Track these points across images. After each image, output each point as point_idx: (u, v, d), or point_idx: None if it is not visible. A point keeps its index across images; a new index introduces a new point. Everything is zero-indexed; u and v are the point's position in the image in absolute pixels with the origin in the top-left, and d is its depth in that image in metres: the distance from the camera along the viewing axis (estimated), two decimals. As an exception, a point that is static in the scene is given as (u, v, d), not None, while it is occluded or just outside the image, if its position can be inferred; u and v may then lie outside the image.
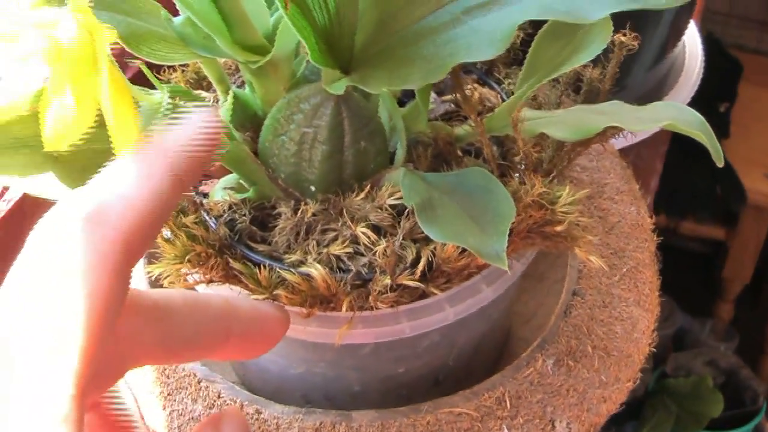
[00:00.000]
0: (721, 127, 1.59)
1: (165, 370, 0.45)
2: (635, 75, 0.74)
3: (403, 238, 0.39)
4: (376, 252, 0.39)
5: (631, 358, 0.45)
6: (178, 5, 0.39)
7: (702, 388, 1.47)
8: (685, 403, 1.47)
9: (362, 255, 0.40)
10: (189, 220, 0.41)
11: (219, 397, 0.44)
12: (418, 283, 0.38)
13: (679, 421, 1.47)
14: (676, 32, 0.75)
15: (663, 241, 1.64)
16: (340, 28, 0.36)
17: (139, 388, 0.45)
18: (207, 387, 0.44)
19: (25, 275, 0.23)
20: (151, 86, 0.49)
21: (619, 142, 0.72)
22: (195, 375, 0.45)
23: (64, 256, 0.22)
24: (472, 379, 0.46)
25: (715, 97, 1.62)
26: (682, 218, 1.63)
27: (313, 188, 0.41)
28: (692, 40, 0.80)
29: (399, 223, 0.39)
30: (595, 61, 0.46)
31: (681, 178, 1.56)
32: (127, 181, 0.24)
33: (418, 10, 0.35)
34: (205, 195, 0.43)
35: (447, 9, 0.35)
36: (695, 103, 1.64)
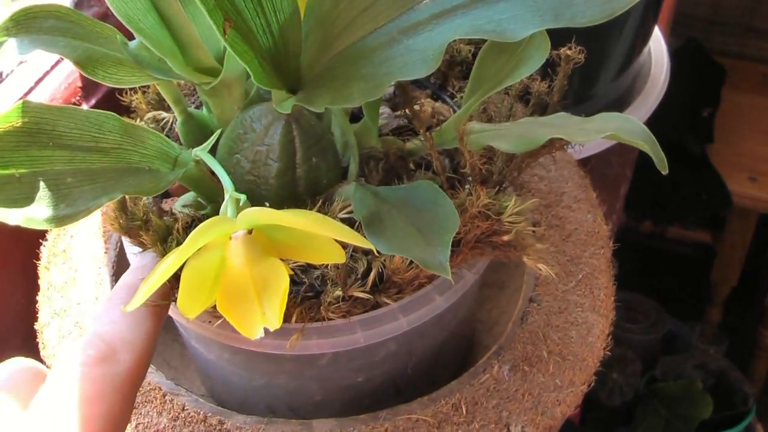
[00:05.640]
0: (705, 132, 1.60)
1: (131, 384, 0.46)
2: (601, 84, 0.75)
3: (354, 251, 0.41)
4: (328, 264, 0.40)
5: (586, 362, 0.46)
6: (131, 30, 0.40)
7: (691, 391, 1.48)
8: (675, 407, 1.48)
9: (315, 268, 0.41)
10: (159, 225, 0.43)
11: (183, 409, 0.45)
12: (369, 295, 0.39)
13: (669, 424, 1.48)
14: (641, 39, 0.76)
15: (650, 246, 1.64)
16: (285, 49, 0.38)
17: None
18: (172, 400, 0.45)
19: (56, 404, 0.31)
20: (117, 109, 0.50)
21: (588, 150, 0.73)
22: (160, 388, 0.46)
23: (85, 388, 0.32)
24: (435, 388, 0.47)
25: (698, 102, 1.63)
26: (669, 223, 1.64)
27: (267, 204, 0.42)
28: (658, 47, 0.82)
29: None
30: (545, 75, 0.48)
31: (666, 184, 1.58)
32: (126, 328, 0.35)
33: (358, 30, 0.37)
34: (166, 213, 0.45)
35: (384, 29, 0.36)
36: (678, 108, 1.65)
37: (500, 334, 0.50)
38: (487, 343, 0.51)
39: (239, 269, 0.35)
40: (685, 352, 1.60)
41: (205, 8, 0.32)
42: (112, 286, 0.51)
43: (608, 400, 1.47)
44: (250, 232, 0.36)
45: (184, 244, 0.34)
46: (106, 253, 0.53)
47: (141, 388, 0.46)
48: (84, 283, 0.52)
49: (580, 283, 0.50)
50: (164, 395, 0.46)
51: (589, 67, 0.75)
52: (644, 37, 0.77)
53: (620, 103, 0.77)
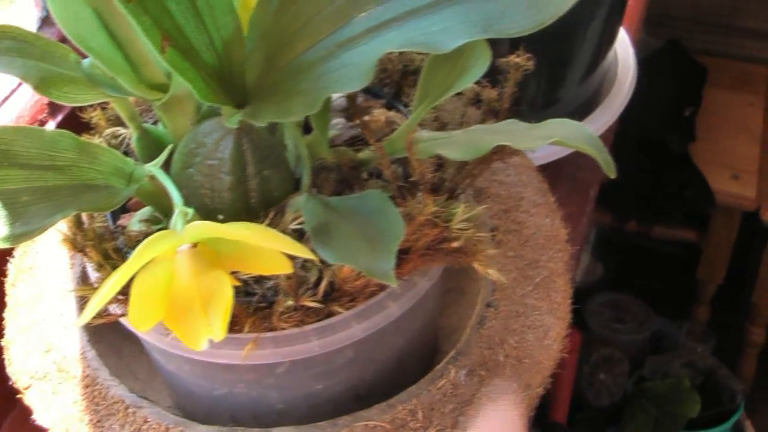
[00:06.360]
0: (687, 131, 1.61)
1: (95, 398, 0.47)
2: (568, 88, 0.76)
3: (306, 260, 0.41)
4: (280, 275, 0.41)
5: (542, 365, 0.47)
6: (82, 49, 0.41)
7: (679, 389, 1.48)
8: (664, 405, 1.49)
9: (268, 279, 0.42)
10: (110, 246, 0.43)
11: (146, 421, 0.46)
12: (320, 304, 0.40)
13: (658, 423, 1.48)
14: (606, 42, 0.77)
15: (636, 246, 1.64)
16: (230, 66, 0.39)
17: (70, 417, 0.47)
18: (134, 412, 0.46)
19: None
20: (81, 125, 0.51)
21: (553, 154, 0.74)
22: (123, 401, 0.47)
23: None
24: (396, 395, 0.48)
25: (680, 101, 1.64)
26: (654, 223, 1.65)
27: (221, 217, 0.43)
28: (624, 49, 0.82)
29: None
30: (496, 82, 0.48)
31: (650, 184, 1.59)
32: None
33: (298, 46, 0.37)
34: (123, 228, 0.45)
35: (323, 44, 0.37)
36: (660, 108, 1.66)
37: (459, 340, 0.50)
38: (447, 349, 0.52)
39: (185, 282, 0.36)
40: (672, 350, 1.60)
41: (141, 27, 0.33)
42: (76, 301, 0.51)
43: (596, 400, 1.47)
44: (195, 245, 0.36)
45: (130, 258, 0.35)
46: (71, 268, 0.54)
47: (104, 401, 0.47)
48: (49, 298, 0.52)
49: (538, 287, 0.50)
50: (127, 408, 0.46)
51: (555, 71, 0.76)
52: (609, 39, 0.78)
53: (587, 107, 0.78)
